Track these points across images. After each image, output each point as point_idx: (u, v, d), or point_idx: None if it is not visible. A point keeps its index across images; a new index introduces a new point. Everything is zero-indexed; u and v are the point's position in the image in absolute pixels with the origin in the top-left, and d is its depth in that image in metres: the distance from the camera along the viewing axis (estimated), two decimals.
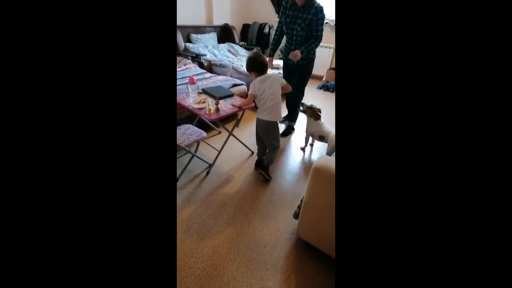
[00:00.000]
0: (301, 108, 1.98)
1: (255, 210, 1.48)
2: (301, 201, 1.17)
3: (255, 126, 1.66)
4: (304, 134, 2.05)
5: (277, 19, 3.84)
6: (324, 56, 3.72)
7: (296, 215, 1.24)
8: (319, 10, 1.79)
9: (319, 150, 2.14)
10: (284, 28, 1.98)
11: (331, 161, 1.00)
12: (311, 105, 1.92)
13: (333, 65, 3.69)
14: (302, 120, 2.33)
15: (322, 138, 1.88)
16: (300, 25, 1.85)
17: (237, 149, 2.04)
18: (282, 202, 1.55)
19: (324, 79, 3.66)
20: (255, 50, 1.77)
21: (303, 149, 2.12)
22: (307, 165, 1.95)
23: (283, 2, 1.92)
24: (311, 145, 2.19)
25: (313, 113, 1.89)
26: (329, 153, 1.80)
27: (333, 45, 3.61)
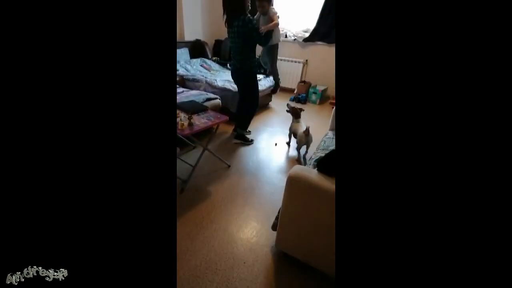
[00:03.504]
0: (287, 108, 2.28)
1: (233, 226, 1.43)
2: (279, 211, 1.17)
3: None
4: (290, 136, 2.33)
5: None
6: (294, 71, 3.92)
7: (274, 227, 1.23)
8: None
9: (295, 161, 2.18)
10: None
11: (305, 170, 1.02)
12: (294, 106, 2.25)
13: (303, 79, 3.90)
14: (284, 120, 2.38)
15: (294, 135, 2.17)
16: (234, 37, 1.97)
17: (212, 163, 2.00)
18: (261, 215, 1.53)
19: (295, 91, 3.83)
20: None
21: (288, 143, 2.36)
22: (283, 176, 1.97)
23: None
24: (304, 156, 2.23)
25: (295, 112, 2.20)
26: (297, 148, 2.13)
27: (302, 60, 3.82)
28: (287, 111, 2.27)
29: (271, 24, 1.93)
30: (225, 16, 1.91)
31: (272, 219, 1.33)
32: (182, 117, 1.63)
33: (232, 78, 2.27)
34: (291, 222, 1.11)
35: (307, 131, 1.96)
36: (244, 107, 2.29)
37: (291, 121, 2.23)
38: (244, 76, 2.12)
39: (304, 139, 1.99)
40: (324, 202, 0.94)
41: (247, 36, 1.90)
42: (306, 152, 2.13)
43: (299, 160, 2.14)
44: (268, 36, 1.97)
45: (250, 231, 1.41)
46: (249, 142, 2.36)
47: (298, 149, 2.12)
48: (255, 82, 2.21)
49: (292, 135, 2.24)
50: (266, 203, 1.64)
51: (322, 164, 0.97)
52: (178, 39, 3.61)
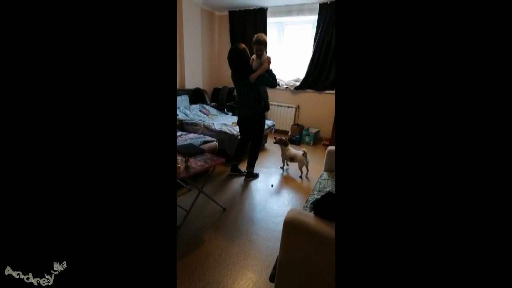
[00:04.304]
0: (274, 140, 2.74)
1: (228, 278, 1.32)
2: (277, 259, 1.10)
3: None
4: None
5: None
6: (288, 115, 4.19)
7: (272, 278, 1.14)
8: None
9: (291, 203, 2.14)
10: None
11: (301, 213, 1.00)
12: (281, 138, 2.72)
13: (296, 122, 4.13)
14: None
15: (292, 160, 2.63)
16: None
17: (207, 207, 1.94)
18: (257, 264, 1.43)
19: (289, 133, 4.01)
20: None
21: (282, 167, 2.81)
22: (280, 219, 1.91)
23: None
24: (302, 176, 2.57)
25: (282, 141, 2.66)
26: (300, 169, 2.60)
27: (294, 105, 4.10)
28: (274, 142, 2.76)
29: (261, 68, 2.18)
30: (231, 72, 2.25)
31: (270, 268, 1.24)
32: (179, 160, 1.65)
33: (241, 123, 2.48)
34: (290, 272, 1.04)
35: (305, 154, 2.51)
36: (251, 148, 2.52)
37: (281, 151, 2.70)
38: (259, 120, 2.38)
39: (304, 160, 2.52)
40: (323, 248, 0.90)
41: (258, 87, 2.25)
42: (307, 171, 2.62)
43: (301, 177, 2.61)
44: (264, 77, 2.20)
45: (246, 283, 1.29)
46: (257, 176, 2.61)
47: (300, 168, 2.61)
48: (264, 125, 2.49)
49: (285, 160, 2.75)
50: (263, 249, 1.55)
51: (318, 207, 0.97)
52: (179, 87, 3.90)
